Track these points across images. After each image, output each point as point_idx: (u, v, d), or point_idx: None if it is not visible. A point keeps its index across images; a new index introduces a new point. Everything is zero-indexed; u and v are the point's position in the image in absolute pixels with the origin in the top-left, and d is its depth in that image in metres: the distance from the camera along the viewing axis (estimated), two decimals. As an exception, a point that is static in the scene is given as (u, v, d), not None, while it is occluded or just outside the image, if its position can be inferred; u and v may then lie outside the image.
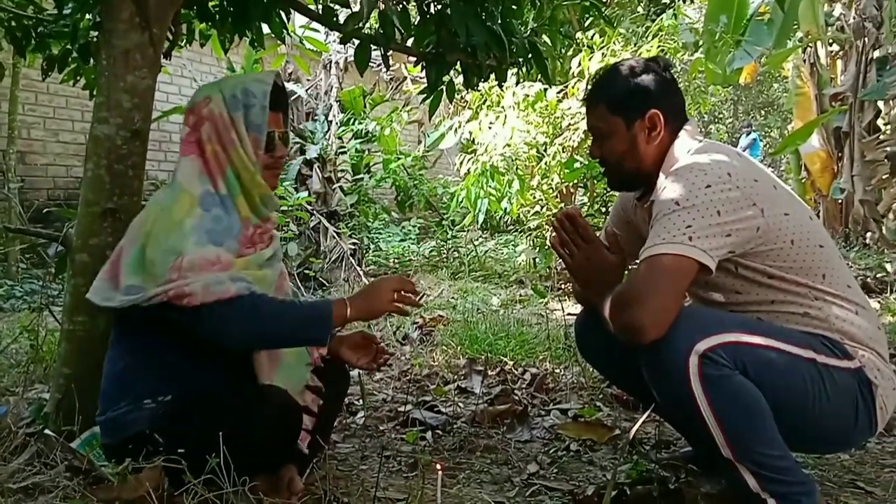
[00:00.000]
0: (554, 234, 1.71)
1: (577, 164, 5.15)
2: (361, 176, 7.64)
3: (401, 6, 2.33)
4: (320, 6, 2.43)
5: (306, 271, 5.56)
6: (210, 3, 2.51)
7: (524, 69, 2.76)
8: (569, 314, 3.47)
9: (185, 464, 1.43)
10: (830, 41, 8.34)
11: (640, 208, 1.79)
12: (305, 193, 6.05)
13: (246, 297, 1.53)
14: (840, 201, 8.06)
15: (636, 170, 1.71)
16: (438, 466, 1.56)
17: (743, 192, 1.49)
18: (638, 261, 1.53)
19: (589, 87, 1.90)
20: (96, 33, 2.60)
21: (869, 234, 7.63)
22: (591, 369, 2.80)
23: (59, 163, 7.00)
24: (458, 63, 2.49)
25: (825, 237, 1.62)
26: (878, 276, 5.43)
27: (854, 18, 7.83)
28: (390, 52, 2.45)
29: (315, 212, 6.02)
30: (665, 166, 1.66)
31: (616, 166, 1.74)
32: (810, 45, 8.25)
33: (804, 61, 8.50)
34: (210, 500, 1.44)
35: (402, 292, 1.67)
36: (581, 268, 1.67)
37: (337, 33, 2.46)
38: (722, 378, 1.40)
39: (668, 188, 1.55)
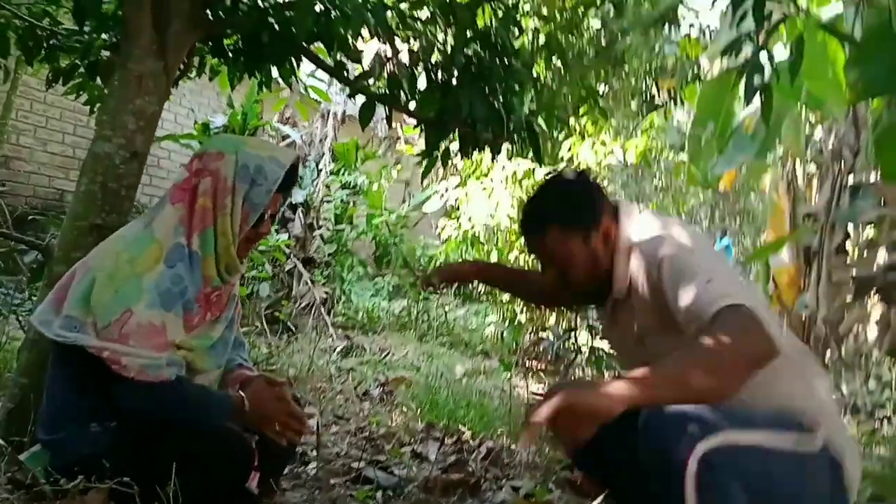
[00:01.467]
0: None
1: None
2: (343, 226, 7.67)
3: (410, 71, 2.42)
4: (332, 59, 2.51)
5: (276, 313, 5.51)
6: (225, 42, 2.58)
7: (518, 146, 2.86)
8: (531, 392, 3.48)
9: (136, 489, 1.41)
10: (809, 160, 8.68)
11: (617, 308, 1.76)
12: (286, 236, 6.06)
13: (171, 382, 1.55)
14: (803, 318, 8.22)
15: (602, 280, 1.69)
16: (387, 527, 1.55)
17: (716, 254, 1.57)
18: (701, 325, 1.41)
19: (524, 213, 1.80)
20: (107, 52, 2.65)
21: (828, 353, 7.77)
22: (547, 450, 2.81)
23: (42, 172, 6.96)
24: (457, 131, 2.58)
25: (764, 300, 1.67)
26: (833, 396, 5.53)
27: (833, 143, 8.17)
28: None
29: (292, 255, 6.01)
30: (622, 252, 1.66)
31: (584, 284, 1.71)
32: (789, 161, 8.58)
33: (782, 177, 8.81)
34: (154, 531, 1.41)
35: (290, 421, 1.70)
36: (571, 400, 1.29)
37: (339, 84, 2.54)
38: (717, 491, 1.35)
39: (665, 272, 1.53)
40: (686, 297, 1.46)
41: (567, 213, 1.68)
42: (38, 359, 1.90)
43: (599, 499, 1.64)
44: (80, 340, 1.51)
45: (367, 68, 2.38)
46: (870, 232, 7.35)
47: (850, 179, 8.03)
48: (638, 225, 1.68)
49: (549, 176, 1.81)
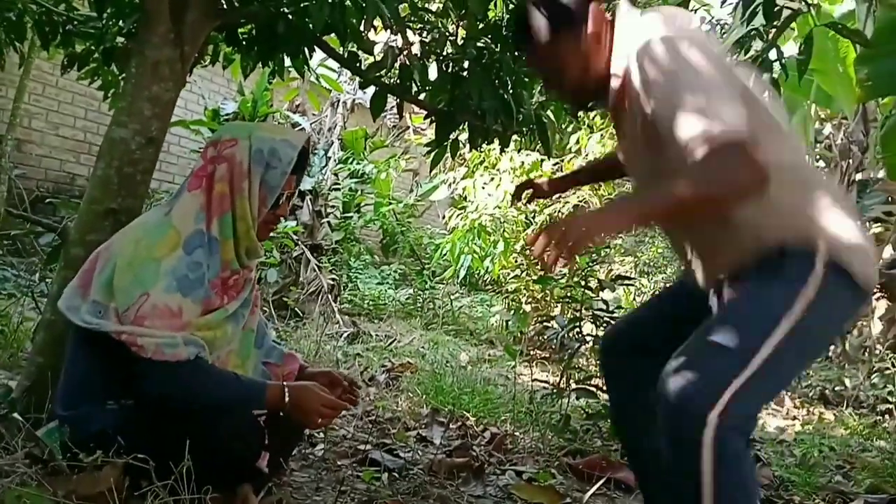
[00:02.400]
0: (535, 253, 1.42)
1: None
2: (351, 214, 7.73)
3: (421, 62, 2.45)
4: (345, 50, 2.54)
5: (284, 299, 5.57)
6: (240, 31, 2.61)
7: (527, 138, 2.89)
8: (535, 379, 3.52)
9: (153, 464, 1.45)
10: (818, 157, 8.68)
11: (618, 117, 1.70)
12: (294, 223, 6.11)
13: (192, 361, 1.57)
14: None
15: (600, 77, 1.63)
16: (393, 506, 1.60)
17: (718, 62, 1.46)
18: (688, 146, 1.39)
19: (513, 27, 1.77)
20: (122, 39, 2.69)
21: (833, 348, 7.79)
22: (550, 436, 2.86)
23: (54, 156, 7.02)
24: (466, 123, 2.61)
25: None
26: (836, 388, 5.56)
27: (842, 140, 8.16)
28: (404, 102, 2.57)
29: (300, 242, 6.06)
30: (618, 51, 1.59)
31: (580, 83, 1.65)
32: (798, 157, 8.57)
33: (791, 173, 8.80)
34: (168, 505, 1.46)
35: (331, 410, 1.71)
36: (578, 231, 1.37)
37: (349, 73, 2.57)
38: (732, 459, 1.37)
39: (649, 69, 1.48)
40: (679, 120, 1.41)
41: (556, 11, 1.63)
42: (53, 338, 1.95)
43: (599, 482, 1.67)
44: (104, 326, 1.55)
45: (378, 59, 2.41)
46: (877, 228, 7.35)
47: (858, 176, 8.03)
48: (637, 25, 1.59)
49: None
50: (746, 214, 1.47)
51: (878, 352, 6.69)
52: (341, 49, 2.56)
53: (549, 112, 3.08)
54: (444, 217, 6.83)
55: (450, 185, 7.08)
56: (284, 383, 1.70)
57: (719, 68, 1.46)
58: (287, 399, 1.64)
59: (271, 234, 5.45)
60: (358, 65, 2.51)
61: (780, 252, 1.47)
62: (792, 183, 1.48)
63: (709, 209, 1.47)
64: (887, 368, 5.78)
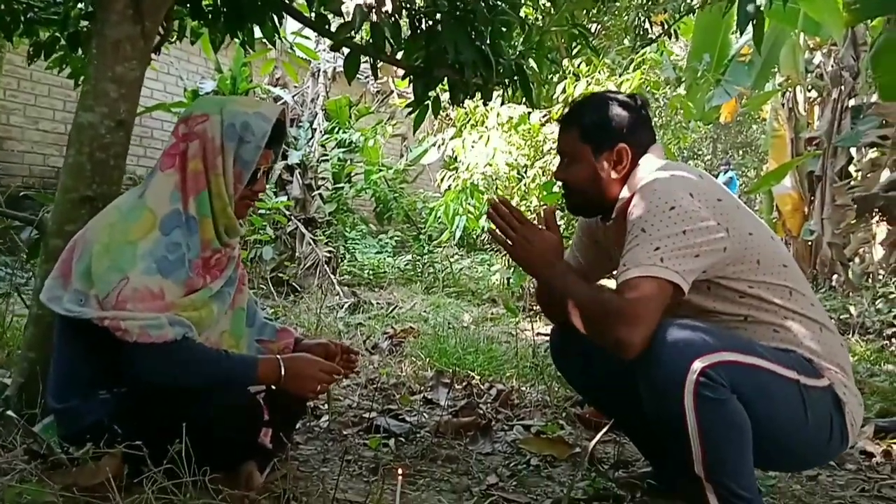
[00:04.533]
0: (491, 222, 1.72)
1: (555, 188, 5.21)
2: (342, 185, 7.65)
3: (393, 19, 2.38)
4: (313, 13, 2.46)
5: (280, 275, 5.54)
6: (203, 2, 2.53)
7: (509, 90, 2.82)
8: (538, 333, 3.51)
9: (147, 451, 1.43)
10: (809, 87, 8.56)
11: (606, 228, 1.83)
12: (285, 198, 6.05)
13: (179, 342, 1.53)
14: (809, 243, 8.23)
15: (597, 198, 1.76)
16: (399, 471, 1.58)
17: (706, 211, 1.54)
18: (615, 284, 1.57)
19: (567, 109, 1.93)
20: (86, 23, 2.61)
21: (835, 277, 7.79)
22: (556, 388, 2.85)
23: (36, 150, 6.94)
24: (446, 79, 2.54)
25: (788, 256, 1.67)
26: (842, 317, 5.56)
27: (832, 67, 8.03)
28: (379, 63, 2.50)
29: (293, 217, 6.01)
30: (630, 184, 1.70)
31: (578, 192, 1.79)
32: (789, 89, 8.46)
33: (782, 105, 8.70)
34: (169, 489, 1.44)
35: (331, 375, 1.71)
36: (521, 248, 1.68)
37: (327, 42, 2.50)
38: (716, 402, 1.43)
39: (635, 209, 1.59)
40: (629, 245, 1.56)
41: (590, 123, 1.74)
42: (42, 333, 1.92)
43: (605, 429, 1.66)
44: (86, 314, 1.52)
45: (348, 20, 2.33)
46: (873, 153, 7.29)
47: (851, 102, 7.93)
48: (655, 169, 1.69)
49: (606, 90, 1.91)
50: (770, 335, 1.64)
51: (881, 277, 6.69)
52: (311, 13, 2.48)
53: (530, 61, 3.01)
54: (436, 180, 6.75)
55: (439, 146, 6.99)
56: (278, 356, 1.67)
57: (715, 215, 1.55)
58: (282, 371, 1.61)
59: (260, 211, 5.37)
60: (328, 27, 2.43)
61: None
62: (809, 327, 1.62)
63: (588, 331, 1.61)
64: (891, 293, 5.78)
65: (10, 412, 1.81)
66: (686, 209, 1.53)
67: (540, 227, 1.71)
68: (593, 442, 1.47)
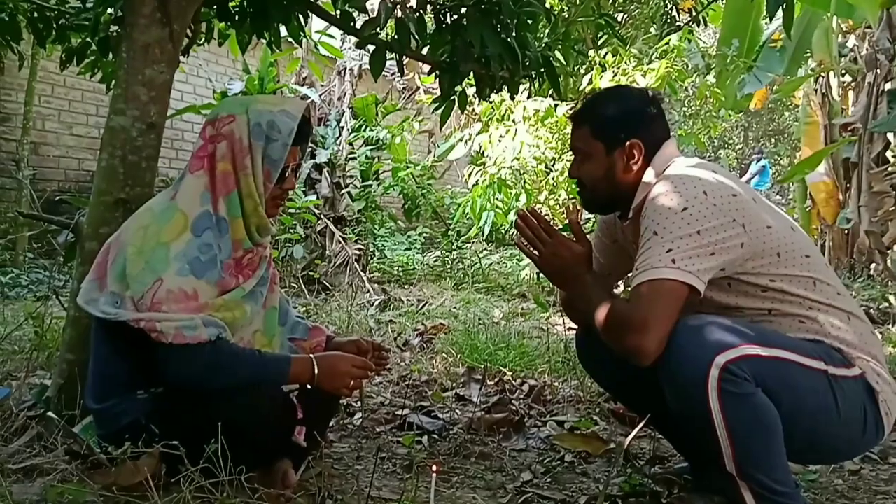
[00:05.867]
0: (518, 233, 1.73)
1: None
2: (370, 182, 7.69)
3: (417, 14, 2.37)
4: (338, 11, 2.47)
5: (311, 274, 5.58)
6: (230, 3, 2.55)
7: (536, 83, 2.80)
8: (570, 328, 3.47)
9: (183, 451, 1.44)
10: (843, 72, 8.37)
11: (624, 227, 1.81)
12: (314, 197, 6.08)
13: (214, 343, 1.54)
14: (846, 231, 8.05)
15: (611, 194, 1.75)
16: (434, 468, 1.57)
17: (721, 209, 1.51)
18: (629, 289, 1.56)
19: (579, 105, 1.93)
20: (116, 27, 2.64)
21: (874, 266, 7.62)
22: (589, 383, 2.82)
23: (71, 155, 7.07)
24: (472, 73, 2.53)
25: (810, 246, 1.63)
26: (882, 307, 5.43)
27: (867, 50, 7.84)
28: (405, 59, 2.49)
29: (322, 216, 6.04)
30: (642, 186, 1.68)
31: (592, 189, 1.77)
32: (822, 74, 8.28)
33: (815, 90, 8.52)
34: (206, 489, 1.45)
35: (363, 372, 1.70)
36: (549, 263, 1.69)
37: (353, 39, 2.50)
38: (741, 396, 1.41)
39: (647, 212, 1.58)
40: (642, 249, 1.54)
41: (602, 120, 1.72)
42: (80, 334, 1.95)
43: (641, 425, 1.64)
44: (122, 316, 1.53)
45: (373, 16, 2.33)
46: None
47: (887, 86, 7.74)
48: (669, 165, 1.67)
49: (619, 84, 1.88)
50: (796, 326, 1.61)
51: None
52: (336, 11, 2.49)
53: (557, 53, 2.98)
54: (464, 175, 6.74)
55: (466, 142, 6.98)
56: (311, 355, 1.68)
57: (730, 211, 1.52)
58: (316, 370, 1.62)
59: (290, 210, 5.41)
60: (353, 24, 2.43)
61: None
62: (837, 316, 1.59)
63: (605, 337, 1.58)
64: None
65: (50, 413, 1.84)
66: (699, 208, 1.50)
67: (568, 237, 1.69)
68: (629, 438, 1.45)
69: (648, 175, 1.68)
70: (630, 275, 1.62)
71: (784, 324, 1.57)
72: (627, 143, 1.69)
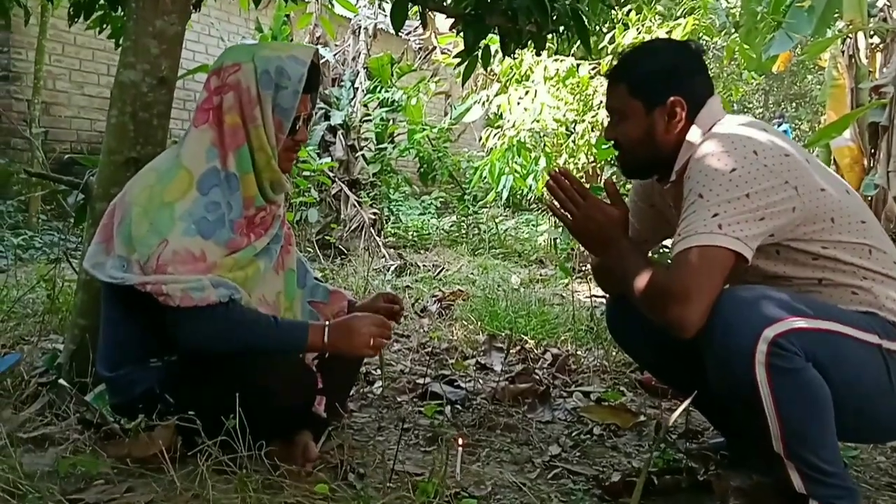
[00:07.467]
0: (550, 195, 1.62)
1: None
2: (385, 145, 7.55)
3: (442, -37, 2.24)
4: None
5: (326, 238, 5.51)
6: (244, -47, 2.42)
7: (564, 37, 2.66)
8: (593, 295, 3.38)
9: (199, 424, 1.37)
10: (872, 33, 8.10)
11: (664, 190, 1.69)
12: (328, 159, 5.97)
13: (225, 304, 1.45)
14: (870, 198, 7.86)
15: (651, 157, 1.62)
16: (460, 441, 1.49)
17: (772, 170, 1.40)
18: (671, 255, 1.45)
19: (614, 62, 1.78)
20: (125, -21, 2.53)
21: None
22: (615, 352, 2.74)
23: (83, 115, 6.98)
24: (497, 28, 2.40)
25: (866, 212, 1.52)
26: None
27: (899, 10, 7.57)
28: (428, 11, 2.36)
29: (337, 179, 5.94)
30: (686, 146, 1.56)
31: (630, 152, 1.65)
32: (850, 35, 8.01)
33: (842, 52, 8.25)
34: (224, 463, 1.38)
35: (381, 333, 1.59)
36: (582, 227, 1.59)
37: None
38: (791, 372, 1.31)
39: (692, 173, 1.46)
40: (685, 213, 1.44)
41: (639, 76, 1.60)
42: (93, 299, 1.88)
43: (688, 402, 1.55)
44: (128, 280, 1.45)
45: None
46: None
47: (921, 47, 7.47)
48: (715, 124, 1.55)
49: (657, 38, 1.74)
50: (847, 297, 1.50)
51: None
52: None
53: (584, 6, 2.83)
54: (480, 139, 6.60)
55: (483, 104, 6.81)
56: (327, 322, 1.58)
57: (782, 173, 1.41)
58: (327, 339, 1.53)
59: (305, 173, 5.30)
60: (373, -25, 2.30)
61: None
62: (893, 287, 1.48)
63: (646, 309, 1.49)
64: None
65: (62, 380, 1.78)
66: (749, 169, 1.39)
67: (604, 200, 1.59)
68: (674, 416, 1.35)
69: (693, 134, 1.56)
70: (669, 241, 1.52)
71: (835, 295, 1.47)
72: (668, 100, 1.56)
